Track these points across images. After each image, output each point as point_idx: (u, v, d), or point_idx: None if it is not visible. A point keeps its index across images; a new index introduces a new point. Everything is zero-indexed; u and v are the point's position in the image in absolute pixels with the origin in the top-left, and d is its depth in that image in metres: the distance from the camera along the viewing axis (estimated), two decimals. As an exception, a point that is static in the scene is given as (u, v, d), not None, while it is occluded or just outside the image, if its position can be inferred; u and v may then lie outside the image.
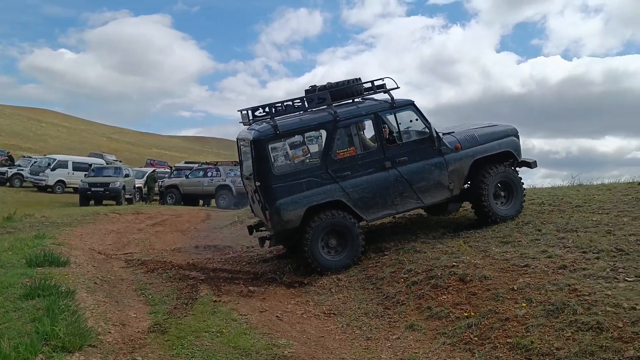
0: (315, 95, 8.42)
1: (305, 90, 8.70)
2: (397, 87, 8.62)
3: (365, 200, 8.15)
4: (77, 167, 30.98)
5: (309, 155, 8.31)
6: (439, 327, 5.72)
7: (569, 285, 5.57)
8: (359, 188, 8.11)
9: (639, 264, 5.93)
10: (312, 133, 8.32)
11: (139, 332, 5.76)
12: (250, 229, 9.43)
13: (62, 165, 31.02)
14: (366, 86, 8.67)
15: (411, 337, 5.68)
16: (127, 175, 26.94)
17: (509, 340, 5.01)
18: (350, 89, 8.57)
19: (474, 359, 4.93)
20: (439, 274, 6.73)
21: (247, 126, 8.67)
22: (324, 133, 8.22)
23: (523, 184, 8.94)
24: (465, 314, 5.71)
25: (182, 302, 6.93)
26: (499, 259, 6.86)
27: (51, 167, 30.59)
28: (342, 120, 8.19)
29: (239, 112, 8.56)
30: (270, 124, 8.04)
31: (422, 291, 6.55)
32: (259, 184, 7.98)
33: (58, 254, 8.71)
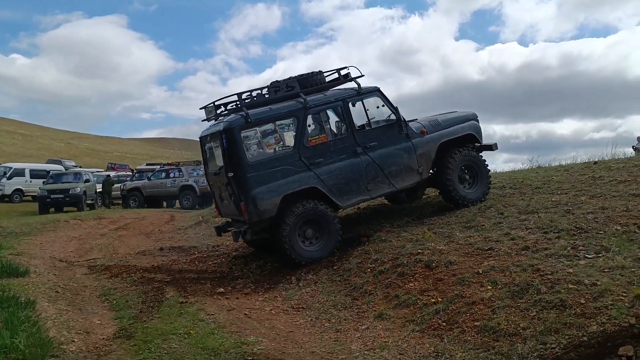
0: (284, 83, 8.44)
1: (270, 83, 8.63)
2: (362, 75, 8.71)
3: (339, 186, 8.16)
4: (34, 174, 30.13)
5: (282, 143, 8.29)
6: (407, 315, 5.75)
7: (532, 266, 5.66)
8: (333, 174, 8.13)
9: (598, 241, 6.08)
10: (284, 121, 8.25)
11: (103, 339, 5.63)
12: (219, 230, 9.28)
13: (19, 173, 30.12)
14: (332, 75, 8.78)
15: (380, 326, 5.69)
16: (87, 181, 26.35)
17: (476, 323, 5.07)
18: (316, 78, 8.63)
19: (443, 344, 4.97)
20: (405, 262, 6.77)
21: (213, 122, 8.60)
22: (295, 121, 8.18)
23: (487, 166, 9.11)
24: (433, 300, 5.76)
25: (148, 306, 6.80)
26: (463, 243, 6.94)
27: (7, 175, 29.67)
28: (312, 107, 8.22)
29: (203, 109, 8.48)
30: (240, 114, 7.99)
31: (389, 280, 6.58)
32: (232, 174, 7.85)
33: (16, 265, 8.45)
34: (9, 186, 29.36)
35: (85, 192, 24.94)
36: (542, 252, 6.06)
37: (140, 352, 5.19)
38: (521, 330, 4.70)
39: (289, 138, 8.34)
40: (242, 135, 7.90)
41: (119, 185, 28.25)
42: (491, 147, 9.43)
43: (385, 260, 7.08)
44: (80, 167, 43.34)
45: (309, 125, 8.33)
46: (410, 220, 8.88)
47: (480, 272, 5.93)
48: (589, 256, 5.70)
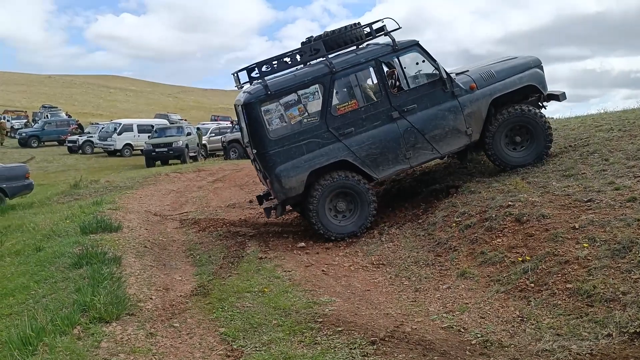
0: (308, 46, 7.63)
1: (302, 42, 7.92)
2: (399, 28, 7.77)
3: (373, 157, 7.47)
4: (141, 129, 31.58)
5: (306, 114, 7.67)
6: (492, 274, 5.31)
7: (638, 220, 5.01)
8: (366, 145, 7.44)
9: None
10: (308, 89, 7.63)
11: (181, 296, 5.67)
12: (260, 199, 8.75)
13: (128, 129, 31.73)
14: (365, 31, 7.88)
15: (462, 285, 5.31)
16: (189, 134, 27.21)
17: (568, 285, 4.56)
18: (346, 35, 7.75)
19: (529, 308, 4.53)
20: (493, 216, 6.26)
21: (241, 90, 8.00)
22: (320, 88, 7.55)
23: (546, 123, 7.92)
24: (521, 258, 5.27)
25: (228, 262, 6.80)
26: (560, 194, 6.29)
27: (117, 131, 31.38)
28: (339, 72, 7.46)
29: (233, 76, 7.88)
30: (262, 84, 7.38)
31: (476, 235, 6.12)
32: (256, 151, 7.46)
33: (111, 220, 8.79)
34: (120, 141, 31.06)
35: (187, 145, 25.77)
36: (652, 204, 5.33)
37: (214, 310, 5.18)
38: (620, 296, 4.14)
39: (315, 107, 7.70)
40: (262, 109, 7.34)
41: (219, 137, 29.00)
42: (558, 98, 8.28)
43: (472, 214, 6.59)
44: (186, 120, 45.05)
45: (337, 92, 7.64)
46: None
47: (577, 227, 5.33)
48: None
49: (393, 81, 8.11)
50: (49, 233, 8.66)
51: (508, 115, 7.78)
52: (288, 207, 8.12)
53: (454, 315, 4.73)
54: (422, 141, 7.59)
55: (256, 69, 7.50)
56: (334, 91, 7.56)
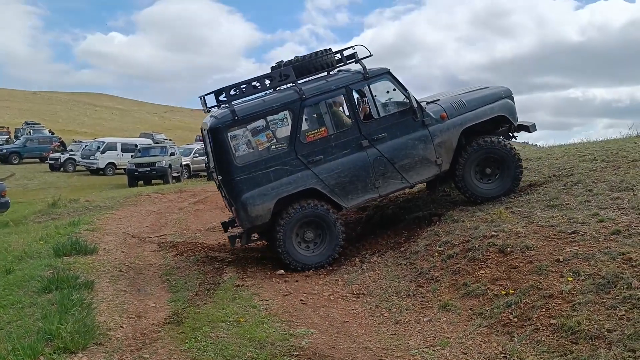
0: (277, 72, 7.47)
1: (271, 67, 7.82)
2: (370, 55, 7.68)
3: (342, 185, 7.31)
4: (125, 148, 31.36)
5: (275, 140, 7.45)
6: (475, 307, 5.17)
7: (623, 254, 4.90)
8: (335, 173, 7.27)
9: None
10: (277, 115, 7.45)
11: (153, 324, 5.46)
12: (225, 225, 8.55)
13: (111, 147, 31.48)
14: (336, 58, 7.79)
15: (444, 318, 5.16)
16: (172, 154, 27.01)
17: (552, 320, 4.43)
18: (317, 62, 7.64)
19: (512, 344, 4.38)
20: (476, 246, 6.14)
21: (208, 113, 7.79)
22: (289, 114, 7.40)
23: (516, 155, 7.83)
24: (504, 291, 5.14)
25: (204, 288, 6.61)
26: (544, 225, 6.18)
27: (101, 150, 31.12)
28: (308, 98, 7.31)
29: (200, 99, 7.64)
30: (229, 108, 7.19)
31: (458, 266, 5.98)
32: (221, 177, 7.29)
33: (86, 242, 8.54)
34: (102, 160, 30.82)
35: (170, 165, 25.57)
36: (636, 238, 5.21)
37: (187, 340, 4.98)
38: (606, 333, 4.02)
39: (284, 134, 7.48)
40: (229, 135, 7.15)
41: (203, 157, 28.80)
42: (528, 129, 8.22)
43: (455, 243, 6.47)
44: (171, 139, 44.80)
45: (306, 119, 7.51)
46: (488, 197, 8.15)
47: (561, 259, 5.21)
48: (694, 244, 4.86)
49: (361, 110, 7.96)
50: (21, 254, 8.38)
51: (478, 146, 7.71)
52: (254, 236, 7.90)
53: (434, 350, 4.57)
54: (392, 170, 7.46)
55: (224, 92, 7.33)
56: (304, 118, 7.41)
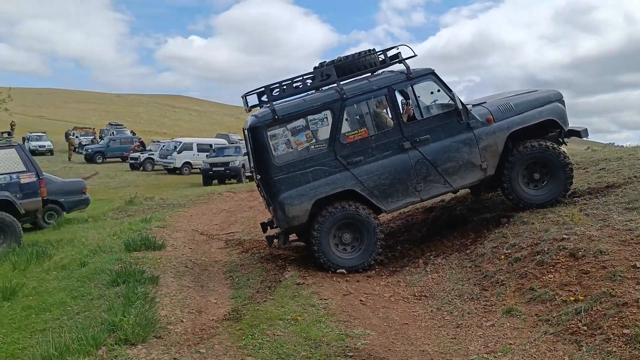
0: (319, 71, 7.36)
1: (314, 67, 7.69)
2: (414, 55, 7.46)
3: (382, 188, 7.11)
4: (201, 148, 32.26)
5: (314, 140, 7.28)
6: (541, 313, 4.91)
7: None
8: (375, 175, 7.09)
9: None
10: (317, 115, 7.21)
11: (213, 320, 5.52)
12: (264, 226, 8.35)
13: (187, 147, 32.46)
14: (380, 58, 7.61)
15: (508, 324, 4.92)
16: (246, 154, 27.48)
17: (625, 330, 4.14)
18: (359, 62, 7.48)
19: (580, 354, 4.12)
20: (545, 249, 5.83)
21: (250, 113, 7.70)
22: (330, 114, 7.21)
23: (567, 160, 7.41)
24: (573, 298, 4.85)
25: (266, 286, 6.62)
26: (621, 229, 5.79)
27: (177, 150, 32.15)
28: (349, 98, 7.18)
29: (242, 99, 7.60)
30: (269, 108, 7.13)
31: (526, 269, 5.71)
32: (260, 176, 7.25)
33: (155, 238, 8.81)
34: (179, 159, 31.84)
35: (244, 165, 26.02)
36: None
37: (244, 337, 4.99)
38: (684, 346, 3.71)
39: (324, 134, 7.30)
40: (268, 134, 7.06)
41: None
42: (579, 134, 7.80)
43: (523, 246, 6.18)
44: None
45: (347, 119, 7.35)
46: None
47: (638, 265, 4.88)
48: None
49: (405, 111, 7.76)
50: (95, 249, 8.76)
51: (526, 150, 7.36)
52: (293, 237, 7.84)
53: (495, 357, 4.37)
54: (434, 173, 7.23)
55: (265, 92, 7.30)
56: (344, 118, 7.27)
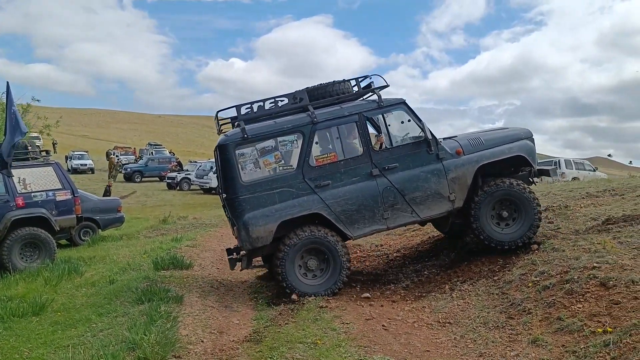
0: (291, 94, 7.40)
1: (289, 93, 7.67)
2: (387, 86, 7.52)
3: (349, 213, 7.04)
4: (236, 169, 32.51)
5: (283, 162, 7.20)
6: (568, 344, 4.74)
7: None
8: (342, 199, 7.03)
9: None
10: (287, 137, 7.18)
11: (233, 340, 5.52)
12: (229, 251, 8.10)
13: (223, 168, 32.76)
14: (353, 87, 7.67)
15: (533, 354, 4.77)
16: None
17: (655, 365, 3.95)
18: (332, 89, 7.52)
19: (607, 388, 3.95)
20: (575, 277, 5.66)
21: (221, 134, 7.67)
22: (300, 137, 7.15)
23: (535, 200, 7.38)
24: (602, 329, 4.68)
25: (289, 308, 6.59)
26: (655, 258, 5.60)
27: (213, 170, 32.47)
28: (320, 122, 7.16)
29: (214, 119, 7.64)
30: (240, 127, 7.10)
31: (554, 298, 5.54)
32: (225, 195, 7.12)
33: (184, 257, 8.89)
34: (214, 180, 32.06)
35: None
36: None
37: (262, 359, 4.96)
38: None
39: (293, 156, 7.28)
40: (236, 152, 7.02)
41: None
42: (548, 173, 7.82)
43: (552, 274, 6.01)
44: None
45: (316, 143, 7.29)
46: (594, 225, 7.56)
47: (671, 297, 4.69)
48: None
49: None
50: (125, 266, 8.89)
51: (495, 187, 7.30)
52: (257, 261, 7.78)
53: (518, 388, 4.24)
54: (402, 202, 7.16)
55: (236, 111, 7.33)
56: (314, 141, 7.23)
